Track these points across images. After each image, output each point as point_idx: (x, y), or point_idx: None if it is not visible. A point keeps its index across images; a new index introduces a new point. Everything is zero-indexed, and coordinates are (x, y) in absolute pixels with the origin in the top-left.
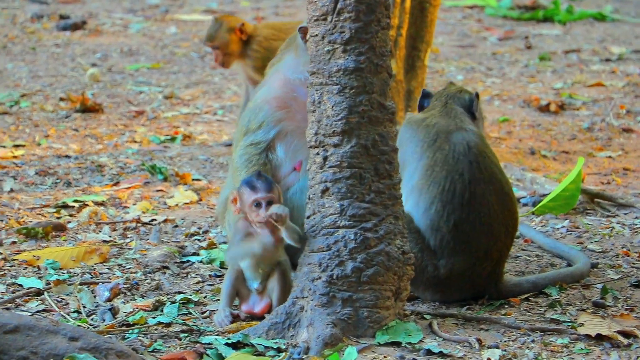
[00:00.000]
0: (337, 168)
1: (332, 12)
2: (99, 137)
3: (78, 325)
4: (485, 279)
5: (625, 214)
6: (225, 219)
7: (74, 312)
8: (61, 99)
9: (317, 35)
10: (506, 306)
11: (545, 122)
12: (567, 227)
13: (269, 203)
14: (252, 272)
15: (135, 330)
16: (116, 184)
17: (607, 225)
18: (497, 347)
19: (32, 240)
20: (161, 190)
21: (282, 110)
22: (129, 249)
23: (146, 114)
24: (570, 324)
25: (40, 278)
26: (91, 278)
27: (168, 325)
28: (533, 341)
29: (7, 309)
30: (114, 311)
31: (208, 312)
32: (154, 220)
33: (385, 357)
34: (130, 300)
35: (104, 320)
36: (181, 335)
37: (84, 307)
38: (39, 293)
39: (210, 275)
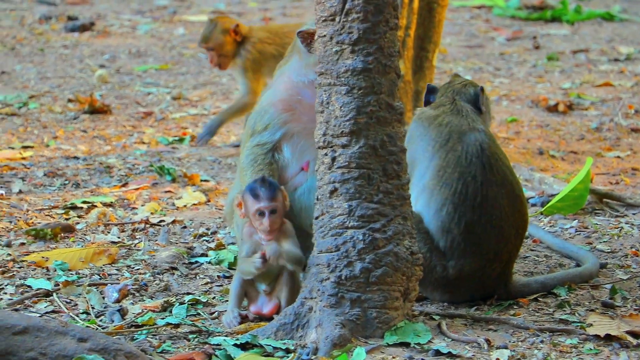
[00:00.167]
0: (346, 169)
1: (340, 13)
2: (107, 138)
3: (87, 326)
4: (494, 280)
5: (634, 214)
6: (233, 219)
7: (82, 313)
8: (69, 100)
9: (325, 35)
10: (515, 306)
11: (554, 122)
12: (575, 227)
13: (272, 212)
14: (260, 275)
15: (144, 331)
16: (124, 185)
17: (615, 225)
18: (505, 347)
19: (41, 242)
20: (169, 191)
21: (287, 112)
22: (137, 250)
23: (154, 115)
24: (579, 324)
25: (49, 279)
26: (100, 279)
27: (177, 326)
28: (542, 341)
29: (16, 310)
30: (122, 312)
31: (217, 313)
32: (163, 221)
33: (394, 357)
34: (139, 301)
35: (113, 321)
36: (190, 336)
37: (93, 308)
38: (47, 294)
39: (218, 276)
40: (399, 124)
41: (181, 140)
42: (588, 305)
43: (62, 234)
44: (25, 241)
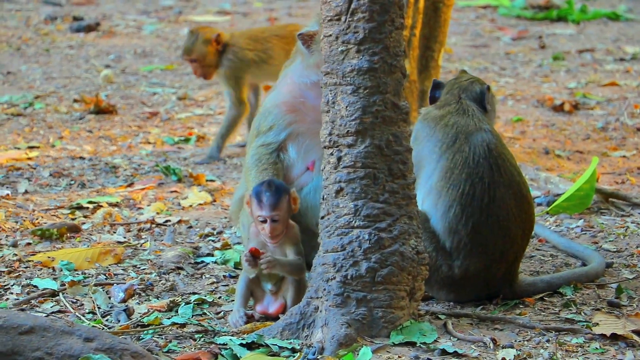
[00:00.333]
0: (351, 168)
1: (346, 12)
2: (113, 139)
3: (93, 326)
4: (500, 279)
5: None
6: (239, 219)
7: (88, 313)
8: (75, 101)
9: (330, 35)
10: (521, 306)
11: (559, 121)
12: (581, 226)
13: (274, 220)
14: (266, 275)
15: (150, 331)
16: (130, 185)
17: (621, 224)
18: (511, 346)
19: (47, 242)
20: (175, 191)
21: (291, 113)
22: (143, 249)
23: (160, 115)
24: (585, 323)
25: (55, 279)
26: (106, 279)
27: (183, 325)
28: (548, 341)
29: (23, 310)
30: (128, 312)
31: (223, 312)
32: (168, 221)
33: (399, 357)
34: (145, 301)
35: (119, 321)
36: (196, 336)
37: (99, 308)
38: (53, 294)
39: (224, 276)
40: (405, 123)
41: (187, 140)
42: (594, 305)
43: (68, 234)
44: (31, 241)
